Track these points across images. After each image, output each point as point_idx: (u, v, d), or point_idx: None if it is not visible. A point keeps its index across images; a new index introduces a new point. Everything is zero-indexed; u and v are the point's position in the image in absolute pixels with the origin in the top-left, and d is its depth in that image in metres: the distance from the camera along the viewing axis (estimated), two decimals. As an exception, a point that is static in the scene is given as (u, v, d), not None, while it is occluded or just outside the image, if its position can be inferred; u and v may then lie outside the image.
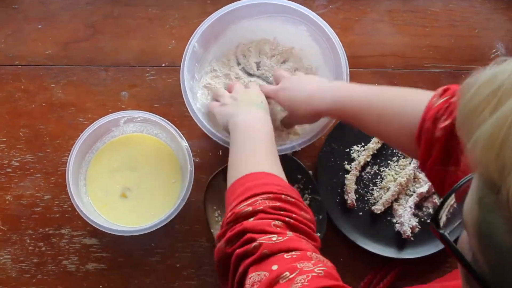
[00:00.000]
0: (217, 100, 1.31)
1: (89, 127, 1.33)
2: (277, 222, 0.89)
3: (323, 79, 1.25)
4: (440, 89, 0.98)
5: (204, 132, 1.28)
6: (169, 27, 1.53)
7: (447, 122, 0.92)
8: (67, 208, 1.39)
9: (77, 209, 1.27)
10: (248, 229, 0.89)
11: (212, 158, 1.43)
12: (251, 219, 0.90)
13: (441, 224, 0.63)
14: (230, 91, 1.29)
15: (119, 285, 1.36)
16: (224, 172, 1.35)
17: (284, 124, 1.34)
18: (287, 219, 0.90)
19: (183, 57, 1.31)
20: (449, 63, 1.53)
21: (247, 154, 1.06)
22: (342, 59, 1.30)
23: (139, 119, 1.36)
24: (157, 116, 1.34)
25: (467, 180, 0.60)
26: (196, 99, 1.36)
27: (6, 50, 1.51)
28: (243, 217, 0.91)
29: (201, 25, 1.33)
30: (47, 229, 1.39)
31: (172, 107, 1.47)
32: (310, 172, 1.39)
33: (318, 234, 1.30)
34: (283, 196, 0.94)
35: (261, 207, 0.91)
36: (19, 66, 1.50)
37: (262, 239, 0.86)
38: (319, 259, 0.84)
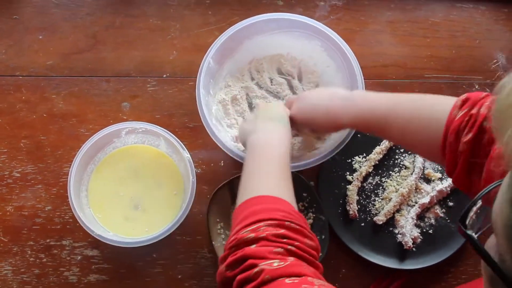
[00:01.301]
0: None
1: (90, 138, 1.32)
2: (278, 250, 0.89)
3: (340, 89, 1.24)
4: (459, 100, 0.99)
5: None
6: (170, 38, 1.53)
7: (469, 136, 0.94)
8: (68, 220, 1.39)
9: (78, 221, 1.27)
10: (249, 255, 0.88)
11: (214, 169, 1.43)
12: (253, 246, 0.89)
13: (468, 225, 0.64)
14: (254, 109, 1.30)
15: (121, 297, 1.36)
16: (229, 184, 1.35)
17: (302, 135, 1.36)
18: (289, 247, 0.90)
19: (198, 73, 1.31)
20: (450, 74, 1.54)
21: (258, 176, 1.05)
22: (358, 73, 1.30)
23: (140, 130, 1.36)
24: (159, 127, 1.34)
25: (496, 185, 0.61)
26: (211, 114, 1.35)
27: (7, 61, 1.50)
28: (245, 243, 0.90)
29: (216, 41, 1.33)
30: (48, 241, 1.38)
31: (174, 118, 1.46)
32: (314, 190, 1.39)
33: (320, 254, 1.30)
34: (287, 223, 0.92)
35: (264, 234, 0.90)
36: (20, 77, 1.49)
37: (264, 264, 0.86)
38: (322, 284, 0.83)
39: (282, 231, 0.91)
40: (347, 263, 1.39)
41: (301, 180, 1.38)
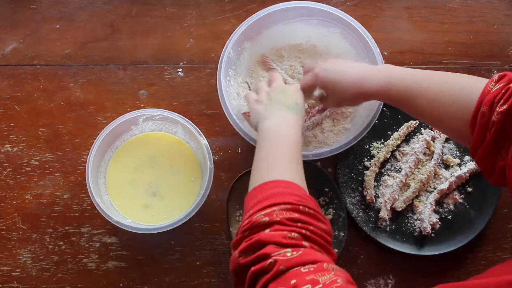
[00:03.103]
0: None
1: (108, 125, 1.33)
2: (293, 234, 0.88)
3: (362, 63, 1.21)
4: (496, 75, 0.99)
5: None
6: (187, 26, 1.53)
7: (504, 107, 0.93)
8: (86, 207, 1.39)
9: (96, 207, 1.27)
10: (263, 240, 0.87)
11: (231, 156, 1.43)
12: (267, 230, 0.89)
13: None
14: (270, 83, 1.24)
15: (139, 283, 1.36)
16: (249, 173, 1.35)
17: (324, 105, 1.33)
18: (303, 231, 0.89)
19: (219, 63, 1.31)
20: (467, 59, 1.52)
21: (270, 161, 1.05)
22: (378, 60, 1.30)
23: (158, 117, 1.36)
24: (176, 114, 1.34)
25: None
26: (232, 104, 1.35)
27: (25, 50, 1.51)
28: (259, 226, 0.90)
29: (235, 31, 1.33)
30: (66, 228, 1.39)
31: (191, 105, 1.47)
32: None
33: (336, 251, 1.29)
34: (301, 207, 0.92)
35: (278, 218, 0.89)
36: (38, 66, 1.50)
37: (277, 255, 0.85)
38: (337, 270, 0.83)
39: (296, 215, 0.90)
40: (365, 248, 1.39)
41: (324, 175, 1.37)
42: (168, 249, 1.38)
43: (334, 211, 1.36)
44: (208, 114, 1.46)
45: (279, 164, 1.04)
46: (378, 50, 1.31)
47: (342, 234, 1.32)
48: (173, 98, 1.48)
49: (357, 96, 1.16)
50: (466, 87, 1.02)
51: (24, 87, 1.49)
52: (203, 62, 1.50)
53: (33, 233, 1.39)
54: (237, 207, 1.36)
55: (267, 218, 0.90)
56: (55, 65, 1.50)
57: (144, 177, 1.37)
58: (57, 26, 1.53)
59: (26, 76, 1.49)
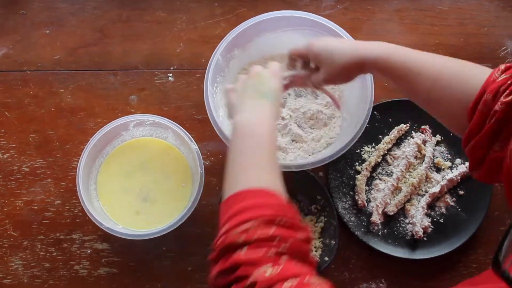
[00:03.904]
0: None
1: (98, 131, 1.33)
2: (270, 253, 0.85)
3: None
4: (502, 66, 0.96)
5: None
6: (177, 30, 1.53)
7: (509, 98, 0.91)
8: (77, 213, 1.39)
9: (87, 214, 1.27)
10: (240, 262, 0.85)
11: (222, 161, 1.42)
12: (244, 251, 0.86)
13: (501, 259, 0.62)
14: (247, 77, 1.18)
15: (131, 290, 1.37)
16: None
17: (315, 84, 1.21)
18: (281, 247, 0.86)
19: (207, 70, 1.31)
20: (458, 62, 1.52)
21: (244, 164, 1.00)
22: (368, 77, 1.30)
23: (148, 122, 1.36)
24: (167, 119, 1.34)
25: None
26: (219, 111, 1.35)
27: (14, 56, 1.51)
28: (235, 246, 0.87)
29: (225, 37, 1.33)
30: (58, 234, 1.39)
31: (181, 110, 1.46)
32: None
33: (326, 259, 1.29)
34: (278, 219, 0.88)
35: (255, 237, 0.86)
36: (28, 72, 1.50)
37: (256, 274, 0.82)
38: (319, 283, 0.81)
39: (272, 230, 0.87)
40: (356, 252, 1.38)
41: (316, 183, 1.36)
42: (160, 255, 1.37)
43: (325, 219, 1.36)
44: (199, 119, 1.45)
45: (253, 169, 0.99)
46: None
47: (333, 242, 1.32)
48: (164, 103, 1.47)
49: (353, 65, 1.08)
50: (471, 72, 0.99)
51: (14, 93, 1.48)
52: (194, 67, 1.50)
53: (24, 240, 1.39)
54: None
55: (243, 236, 0.86)
56: (45, 71, 1.50)
57: (135, 183, 1.37)
58: (47, 31, 1.53)
59: (16, 82, 1.49)
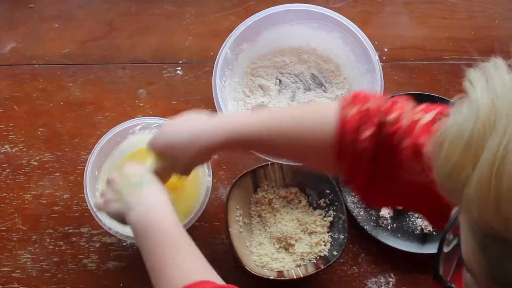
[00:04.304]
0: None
1: (104, 136, 1.31)
2: None
3: (201, 113, 1.11)
4: (346, 100, 0.93)
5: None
6: (186, 24, 1.53)
7: (370, 131, 0.88)
8: (86, 207, 1.38)
9: (96, 219, 1.26)
10: None
11: (230, 154, 1.43)
12: None
13: (441, 272, 0.62)
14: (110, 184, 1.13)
15: (139, 283, 1.36)
16: (252, 173, 1.34)
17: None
18: None
19: (215, 64, 1.30)
20: (469, 55, 1.52)
21: (162, 265, 0.98)
22: (377, 68, 1.29)
23: (154, 126, 1.34)
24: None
25: (456, 216, 0.58)
26: (227, 104, 1.34)
27: (23, 50, 1.51)
28: None
29: (234, 31, 1.33)
30: (66, 228, 1.39)
31: (190, 104, 1.46)
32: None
33: (335, 253, 1.28)
34: None
35: None
36: (37, 66, 1.50)
37: None
38: None
39: None
40: (365, 247, 1.38)
41: (325, 177, 1.35)
42: (168, 249, 1.37)
43: (334, 213, 1.35)
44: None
45: (175, 264, 0.97)
46: (377, 57, 1.29)
47: (342, 236, 1.31)
48: (172, 97, 1.47)
49: (199, 153, 1.05)
50: (318, 119, 0.96)
51: (23, 87, 1.48)
52: (202, 60, 1.50)
53: (33, 233, 1.39)
54: (237, 207, 1.35)
55: None
56: (54, 65, 1.50)
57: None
58: (56, 25, 1.53)
59: (24, 76, 1.49)
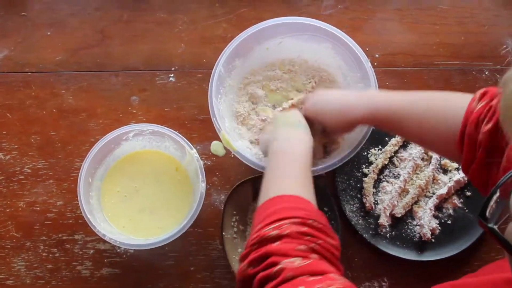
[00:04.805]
0: None
1: (97, 143, 1.31)
2: (301, 247, 0.87)
3: (348, 91, 1.23)
4: (478, 93, 0.99)
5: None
6: (178, 31, 1.53)
7: (489, 125, 0.93)
8: (80, 214, 1.38)
9: (89, 224, 1.26)
10: (272, 252, 0.87)
11: (224, 161, 1.43)
12: (276, 243, 0.88)
13: (488, 217, 0.63)
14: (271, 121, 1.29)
15: (134, 290, 1.36)
16: (252, 181, 1.34)
17: (322, 136, 1.30)
18: (312, 244, 0.89)
19: (210, 83, 1.29)
20: (459, 60, 1.53)
21: (279, 177, 1.05)
22: (370, 75, 1.29)
23: (148, 132, 1.35)
24: (166, 128, 1.32)
25: (510, 175, 0.62)
26: (224, 122, 1.34)
27: (16, 58, 1.51)
28: (268, 240, 0.89)
29: (225, 49, 1.31)
30: (60, 235, 1.39)
31: (183, 111, 1.46)
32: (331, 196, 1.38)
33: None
34: (310, 221, 0.91)
35: (287, 231, 0.89)
36: (29, 73, 1.50)
37: (285, 262, 0.85)
38: (344, 281, 0.82)
39: (305, 229, 0.90)
40: (359, 251, 1.38)
41: (323, 192, 1.35)
42: (162, 255, 1.37)
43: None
44: (200, 119, 1.45)
45: (287, 179, 1.04)
46: (369, 64, 1.29)
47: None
48: (165, 103, 1.47)
49: (344, 124, 1.18)
50: (450, 107, 1.02)
51: (16, 94, 1.48)
52: (195, 67, 1.50)
53: (26, 241, 1.39)
54: (234, 212, 1.35)
55: (276, 231, 0.89)
56: (47, 72, 1.50)
57: (136, 191, 1.37)
58: (48, 33, 1.53)
59: (17, 84, 1.49)
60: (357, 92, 1.19)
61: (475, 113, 0.96)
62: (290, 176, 1.04)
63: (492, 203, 0.64)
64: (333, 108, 1.18)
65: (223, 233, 1.33)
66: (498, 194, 0.64)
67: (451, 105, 1.03)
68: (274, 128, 1.19)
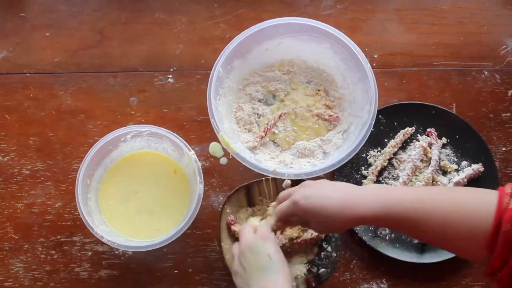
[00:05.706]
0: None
1: (95, 144, 1.31)
2: None
3: (349, 184, 1.09)
4: (508, 188, 0.92)
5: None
6: (177, 32, 1.53)
7: None
8: (78, 216, 1.38)
9: (87, 227, 1.26)
10: None
11: (222, 161, 1.43)
12: None
13: None
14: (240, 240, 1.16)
15: (132, 291, 1.36)
16: (246, 188, 1.33)
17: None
18: None
19: (208, 84, 1.30)
20: (458, 61, 1.52)
21: None
22: (370, 75, 1.29)
23: (146, 133, 1.34)
24: (164, 129, 1.32)
25: None
26: (223, 123, 1.34)
27: (14, 59, 1.51)
28: None
29: (225, 49, 1.31)
30: (58, 237, 1.39)
31: (181, 112, 1.46)
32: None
33: (328, 270, 1.29)
34: None
35: None
36: (28, 75, 1.50)
37: None
38: None
39: None
40: (357, 253, 1.38)
41: None
42: (161, 257, 1.37)
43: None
44: (199, 120, 1.45)
45: None
46: (368, 65, 1.29)
47: (334, 254, 1.30)
48: (164, 104, 1.47)
49: (348, 223, 1.03)
50: (477, 205, 0.94)
51: (14, 96, 1.48)
52: (193, 68, 1.50)
53: (25, 242, 1.38)
54: (231, 214, 1.34)
55: None
56: (45, 73, 1.50)
57: (135, 192, 1.37)
58: (47, 34, 1.53)
59: (16, 85, 1.49)
60: (357, 187, 1.06)
61: (510, 209, 0.88)
62: None
63: None
64: (334, 206, 1.03)
65: (222, 244, 1.31)
66: None
67: (478, 200, 0.95)
68: (245, 274, 1.11)
